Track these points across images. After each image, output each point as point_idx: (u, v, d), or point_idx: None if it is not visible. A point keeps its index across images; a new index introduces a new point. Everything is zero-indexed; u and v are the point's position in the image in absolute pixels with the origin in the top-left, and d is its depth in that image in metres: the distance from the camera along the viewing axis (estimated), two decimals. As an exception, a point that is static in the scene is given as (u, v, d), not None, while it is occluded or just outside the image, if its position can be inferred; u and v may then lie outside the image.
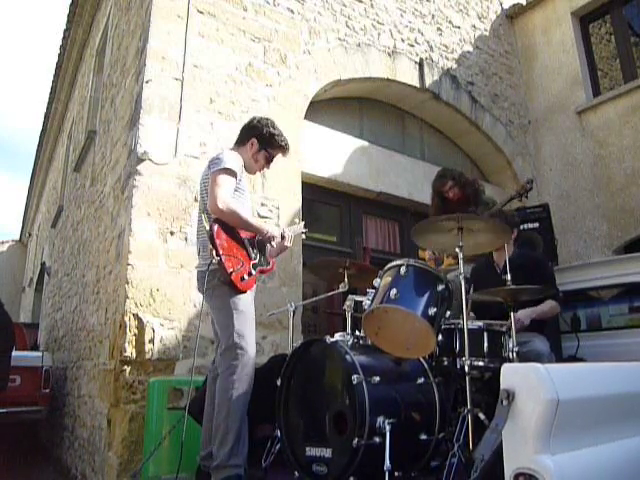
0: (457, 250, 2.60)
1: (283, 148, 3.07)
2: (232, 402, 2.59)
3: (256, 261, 2.85)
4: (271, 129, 3.02)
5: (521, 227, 4.49)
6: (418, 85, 6.22)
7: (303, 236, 3.58)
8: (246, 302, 2.77)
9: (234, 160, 2.83)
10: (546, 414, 1.46)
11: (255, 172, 3.13)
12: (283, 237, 3.01)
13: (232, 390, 2.60)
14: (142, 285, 3.89)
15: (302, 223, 3.53)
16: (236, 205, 2.76)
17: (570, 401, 1.51)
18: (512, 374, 1.59)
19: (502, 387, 1.57)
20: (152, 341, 3.84)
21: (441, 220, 2.65)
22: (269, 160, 3.07)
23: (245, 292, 2.75)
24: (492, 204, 4.05)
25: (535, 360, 2.67)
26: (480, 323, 2.74)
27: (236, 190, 2.85)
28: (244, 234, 2.86)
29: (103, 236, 4.95)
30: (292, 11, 5.29)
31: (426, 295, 2.51)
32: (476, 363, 2.62)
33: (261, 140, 3.00)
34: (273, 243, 2.91)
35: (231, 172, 2.78)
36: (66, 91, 9.78)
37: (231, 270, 2.66)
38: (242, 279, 2.71)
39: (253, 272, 2.80)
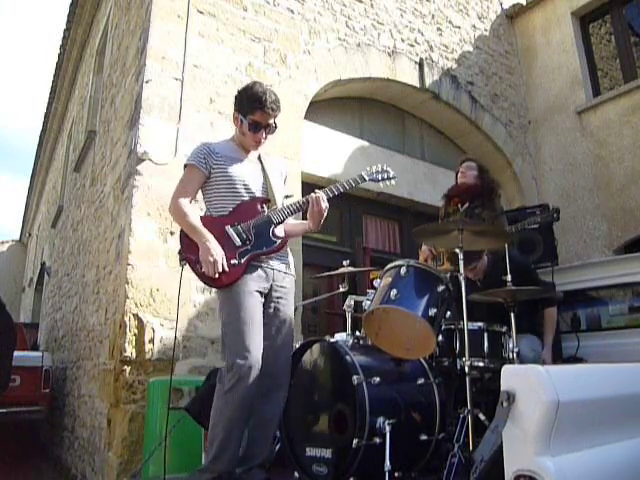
0: (457, 251, 2.61)
1: (259, 107, 2.59)
2: (227, 420, 2.41)
3: (245, 247, 2.52)
4: (246, 91, 2.64)
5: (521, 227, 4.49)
6: (418, 85, 6.22)
7: (384, 184, 2.81)
8: (247, 306, 2.45)
9: (194, 153, 2.65)
10: (546, 416, 1.46)
11: (254, 146, 2.71)
12: (308, 202, 2.61)
13: (229, 412, 2.39)
14: (142, 285, 3.89)
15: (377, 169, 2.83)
16: (185, 206, 2.57)
17: (570, 403, 1.51)
18: (512, 376, 1.59)
19: (502, 389, 1.57)
20: (152, 341, 3.84)
21: (442, 226, 2.67)
22: (254, 128, 2.64)
23: (229, 285, 2.47)
24: (500, 211, 3.88)
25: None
26: (480, 324, 2.75)
27: (215, 180, 2.61)
28: (231, 219, 2.57)
29: (103, 236, 4.95)
30: (292, 11, 5.29)
31: (426, 296, 2.51)
32: (476, 364, 2.63)
33: (239, 109, 2.67)
34: (205, 267, 2.44)
35: (189, 167, 2.62)
36: (66, 91, 9.78)
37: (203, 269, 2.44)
38: (223, 272, 2.45)
39: (239, 261, 2.49)
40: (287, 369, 2.59)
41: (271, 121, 2.66)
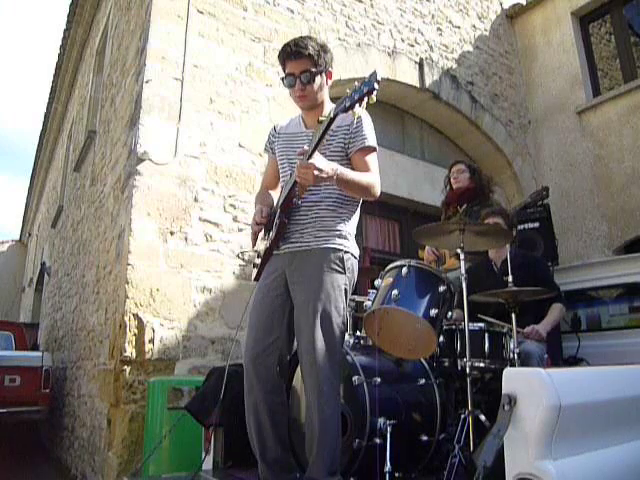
0: (458, 251, 2.62)
1: (282, 59, 2.27)
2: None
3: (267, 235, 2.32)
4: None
5: (521, 227, 4.49)
6: (418, 85, 6.22)
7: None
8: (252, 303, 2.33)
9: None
10: (548, 419, 1.45)
11: (300, 104, 2.35)
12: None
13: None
14: (142, 285, 3.89)
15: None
16: (256, 197, 2.56)
17: (572, 406, 1.50)
18: (514, 379, 1.58)
19: (504, 392, 1.56)
20: (152, 341, 3.84)
21: (443, 226, 2.68)
22: (288, 83, 2.29)
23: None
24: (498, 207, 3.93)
25: (524, 360, 2.68)
26: (481, 324, 2.74)
27: (278, 158, 2.43)
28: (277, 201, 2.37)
29: (103, 236, 4.95)
30: (292, 11, 5.29)
31: (427, 296, 2.51)
32: (477, 364, 2.62)
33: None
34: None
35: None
36: (66, 91, 9.77)
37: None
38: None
39: (258, 260, 2.33)
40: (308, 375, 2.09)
41: (299, 68, 2.22)
